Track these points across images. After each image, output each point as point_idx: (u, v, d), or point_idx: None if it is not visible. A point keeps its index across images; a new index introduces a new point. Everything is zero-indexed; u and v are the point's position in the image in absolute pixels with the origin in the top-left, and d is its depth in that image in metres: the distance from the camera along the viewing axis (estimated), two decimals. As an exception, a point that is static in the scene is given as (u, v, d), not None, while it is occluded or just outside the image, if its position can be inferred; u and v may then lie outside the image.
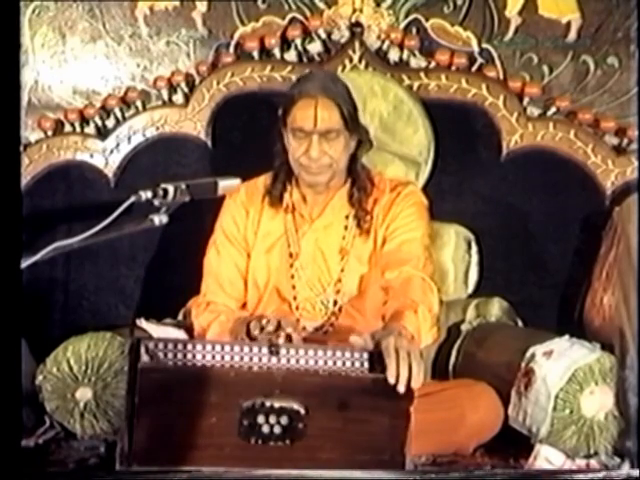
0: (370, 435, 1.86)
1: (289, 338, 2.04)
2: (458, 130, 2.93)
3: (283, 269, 2.36)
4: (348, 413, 1.85)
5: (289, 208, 2.38)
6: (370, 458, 1.86)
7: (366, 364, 1.93)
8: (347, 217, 2.36)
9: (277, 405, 1.84)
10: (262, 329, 2.06)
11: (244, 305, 2.40)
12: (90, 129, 3.03)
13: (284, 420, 1.84)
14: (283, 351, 1.92)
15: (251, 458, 1.85)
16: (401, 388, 1.80)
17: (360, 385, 1.88)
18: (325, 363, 1.93)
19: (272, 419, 1.84)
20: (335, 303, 2.34)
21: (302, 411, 1.84)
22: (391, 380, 1.80)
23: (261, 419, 1.84)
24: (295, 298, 2.35)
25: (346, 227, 2.36)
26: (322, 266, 2.35)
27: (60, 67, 3.08)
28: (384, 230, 2.33)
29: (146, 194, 1.74)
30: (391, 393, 1.83)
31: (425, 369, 1.94)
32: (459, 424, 2.21)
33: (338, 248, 2.35)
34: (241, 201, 2.41)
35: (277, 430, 1.84)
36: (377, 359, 1.90)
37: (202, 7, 3.04)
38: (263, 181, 2.43)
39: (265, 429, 1.84)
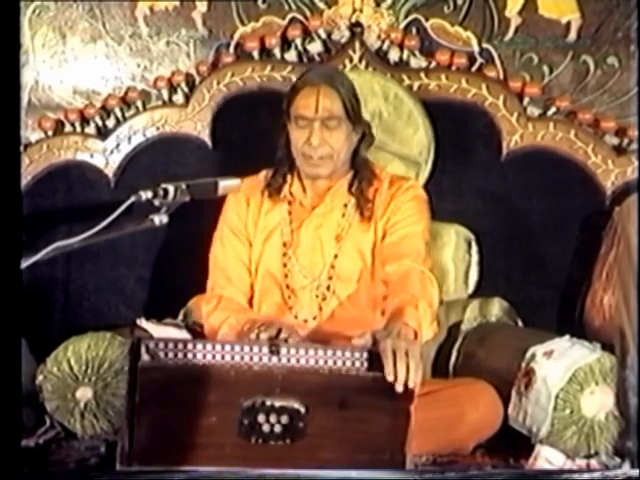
0: (370, 434, 1.86)
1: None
2: (458, 130, 2.93)
3: (276, 258, 2.38)
4: (348, 412, 1.85)
5: (287, 198, 2.41)
6: (370, 457, 1.86)
7: (365, 363, 1.94)
8: (346, 205, 2.38)
9: (277, 404, 1.85)
10: (270, 337, 2.05)
11: (251, 298, 2.41)
12: (90, 129, 3.03)
13: (284, 419, 1.84)
14: (283, 350, 1.93)
15: (251, 457, 1.85)
16: (399, 387, 1.81)
17: (360, 384, 1.88)
18: (325, 362, 1.93)
19: (272, 418, 1.84)
20: (328, 288, 2.35)
21: (302, 410, 1.85)
22: (389, 378, 1.82)
23: (261, 418, 1.84)
24: (288, 287, 2.37)
25: (343, 215, 2.38)
26: (318, 253, 2.37)
27: (60, 67, 3.08)
28: (384, 223, 2.35)
29: (146, 194, 1.75)
30: (391, 392, 1.83)
31: (424, 368, 1.95)
32: (459, 422, 2.21)
33: (334, 235, 2.37)
34: (243, 193, 2.42)
35: (277, 429, 1.85)
36: (376, 358, 1.90)
37: (202, 7, 3.04)
38: (265, 174, 2.47)
39: (265, 428, 1.84)
